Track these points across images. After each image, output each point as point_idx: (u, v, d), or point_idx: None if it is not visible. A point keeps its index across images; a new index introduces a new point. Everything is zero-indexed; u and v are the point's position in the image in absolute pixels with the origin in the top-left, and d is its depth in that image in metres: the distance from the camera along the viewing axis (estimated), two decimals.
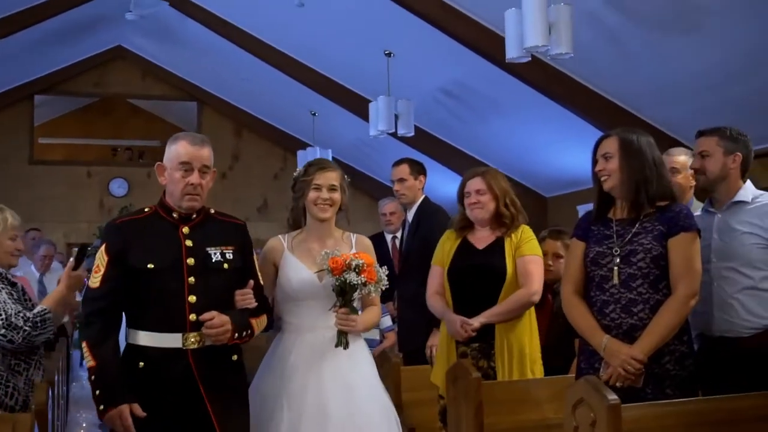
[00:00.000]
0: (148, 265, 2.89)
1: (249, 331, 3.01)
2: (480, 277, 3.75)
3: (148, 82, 13.05)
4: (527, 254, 3.76)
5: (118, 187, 12.93)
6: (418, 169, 5.15)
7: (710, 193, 3.41)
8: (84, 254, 3.34)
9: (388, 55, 7.98)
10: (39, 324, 3.23)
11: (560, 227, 4.55)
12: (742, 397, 2.91)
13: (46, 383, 3.52)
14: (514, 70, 6.63)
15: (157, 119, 15.24)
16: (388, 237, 5.88)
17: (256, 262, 3.21)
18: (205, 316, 2.86)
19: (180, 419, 2.85)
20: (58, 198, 12.44)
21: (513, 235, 3.80)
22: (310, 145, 11.02)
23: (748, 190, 3.34)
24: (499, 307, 3.68)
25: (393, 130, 8.00)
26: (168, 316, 2.88)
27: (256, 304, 3.05)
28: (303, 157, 10.95)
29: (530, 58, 5.40)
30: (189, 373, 2.86)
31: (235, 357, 3.01)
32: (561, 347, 3.97)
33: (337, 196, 3.38)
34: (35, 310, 3.28)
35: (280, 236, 3.46)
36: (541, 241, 4.25)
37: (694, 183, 3.81)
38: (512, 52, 5.26)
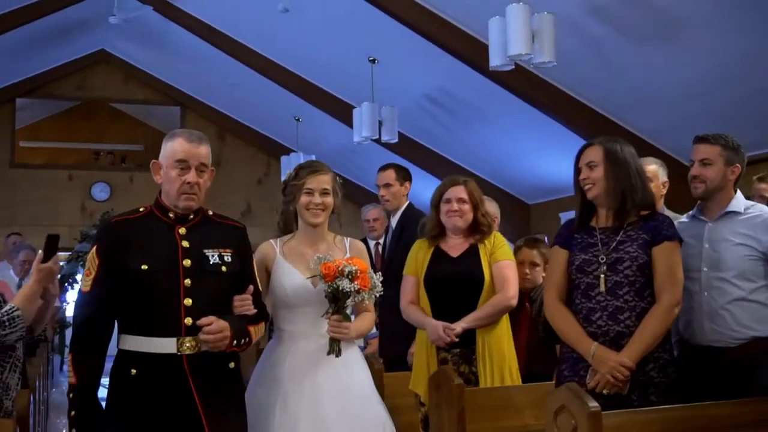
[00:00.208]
0: (142, 267, 2.75)
1: (247, 339, 2.87)
2: (458, 285, 3.78)
3: (131, 86, 12.99)
4: (502, 259, 3.82)
5: (100, 192, 12.85)
6: (404, 175, 5.16)
7: (704, 201, 3.38)
8: (53, 245, 3.09)
9: (373, 61, 8.00)
10: (7, 323, 3.04)
11: (536, 236, 4.59)
12: (722, 404, 2.94)
13: (27, 390, 3.48)
14: (497, 77, 6.66)
15: (140, 123, 15.17)
16: (371, 243, 5.88)
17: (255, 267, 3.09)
18: (203, 321, 2.73)
19: (172, 429, 2.71)
20: (40, 202, 12.33)
21: (486, 242, 3.86)
22: (294, 151, 11.03)
23: (740, 201, 3.34)
24: (479, 312, 3.72)
25: (377, 137, 8.02)
26: (162, 319, 2.74)
27: (255, 311, 2.92)
28: (287, 163, 10.93)
29: (514, 66, 5.43)
30: (183, 381, 2.71)
31: (232, 364, 2.88)
32: (542, 354, 4.00)
33: (329, 200, 3.30)
34: (3, 309, 3.10)
35: (271, 241, 3.37)
36: (517, 249, 4.30)
37: (664, 192, 3.88)
38: (496, 60, 5.29)
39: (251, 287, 2.94)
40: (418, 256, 3.91)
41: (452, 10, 6.59)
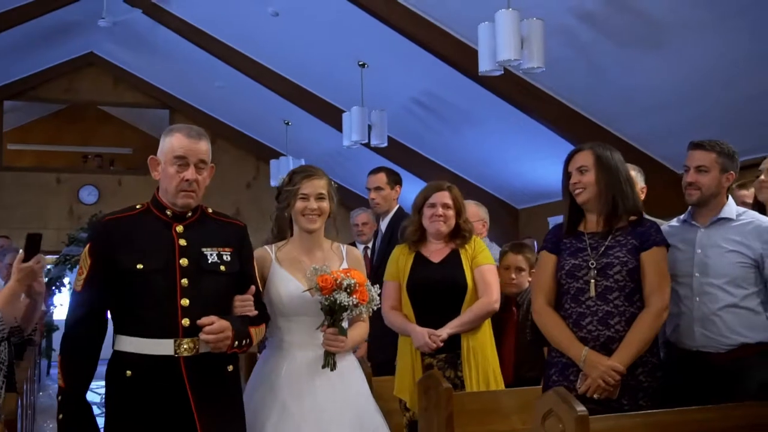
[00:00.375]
0: (137, 266, 2.65)
1: (248, 340, 2.76)
2: (442, 291, 3.80)
3: (120, 90, 12.96)
4: (483, 264, 3.85)
5: (88, 195, 12.80)
6: (395, 179, 5.17)
7: (697, 207, 3.39)
8: (34, 244, 2.99)
9: (362, 66, 8.00)
10: None
11: (522, 241, 4.61)
12: (709, 408, 2.96)
13: (15, 394, 3.46)
14: (487, 83, 6.68)
15: (129, 126, 15.13)
16: (360, 247, 5.88)
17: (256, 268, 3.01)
18: (204, 320, 2.63)
19: None
20: (27, 205, 12.28)
21: (467, 247, 3.88)
22: (283, 155, 11.01)
23: (732, 207, 3.36)
24: (464, 318, 3.74)
25: (366, 141, 8.02)
26: (158, 321, 2.64)
27: (257, 312, 2.84)
28: (276, 166, 10.93)
29: (503, 72, 5.44)
30: (180, 384, 2.63)
31: (230, 368, 2.79)
32: (530, 358, 4.02)
33: (325, 204, 3.21)
34: None
35: (265, 247, 3.25)
36: (502, 255, 4.33)
37: (642, 197, 3.90)
38: (485, 66, 5.31)
39: (253, 287, 2.86)
40: (399, 261, 3.91)
41: (442, 15, 6.61)
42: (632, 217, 3.18)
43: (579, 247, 3.18)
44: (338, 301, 2.92)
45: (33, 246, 2.98)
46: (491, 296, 3.77)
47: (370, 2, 6.73)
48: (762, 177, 3.76)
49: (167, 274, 2.68)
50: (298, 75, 9.33)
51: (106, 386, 2.71)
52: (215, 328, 2.63)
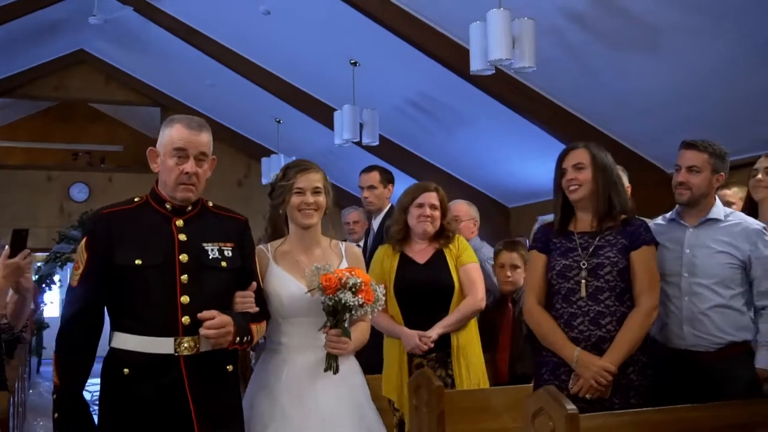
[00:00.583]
0: (136, 261, 2.57)
1: (249, 337, 2.68)
2: (429, 292, 3.83)
3: (111, 87, 12.91)
4: (468, 263, 3.89)
5: (78, 192, 12.76)
6: (388, 178, 5.18)
7: (686, 207, 3.40)
8: (20, 240, 2.93)
9: (354, 64, 8.00)
10: None
11: (515, 239, 4.63)
12: (698, 407, 2.97)
13: (6, 392, 3.45)
14: (478, 82, 6.69)
15: (120, 124, 15.09)
16: None
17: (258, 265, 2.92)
18: (205, 314, 2.54)
19: None
20: (17, 203, 12.22)
21: (451, 246, 3.92)
22: (275, 153, 11.00)
23: (720, 208, 3.38)
24: (452, 317, 3.78)
25: (358, 139, 8.02)
26: (158, 318, 2.56)
27: (258, 309, 2.76)
28: (267, 165, 10.92)
29: (494, 71, 5.45)
30: (179, 383, 2.55)
31: (230, 367, 2.70)
32: (525, 354, 4.04)
33: (322, 199, 3.07)
34: None
35: (261, 246, 3.11)
36: (497, 253, 4.36)
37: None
38: (476, 65, 5.31)
39: (254, 284, 2.79)
40: (384, 263, 3.92)
41: (433, 15, 6.61)
42: (622, 216, 3.19)
43: (569, 247, 3.19)
44: (343, 301, 2.79)
45: (19, 242, 2.94)
46: (477, 295, 3.82)
47: (362, 1, 6.72)
48: (759, 176, 3.78)
49: (166, 270, 2.59)
50: (290, 73, 9.32)
51: (102, 384, 2.64)
52: (216, 323, 2.55)
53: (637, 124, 6.71)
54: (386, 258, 3.93)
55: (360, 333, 3.07)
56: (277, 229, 3.17)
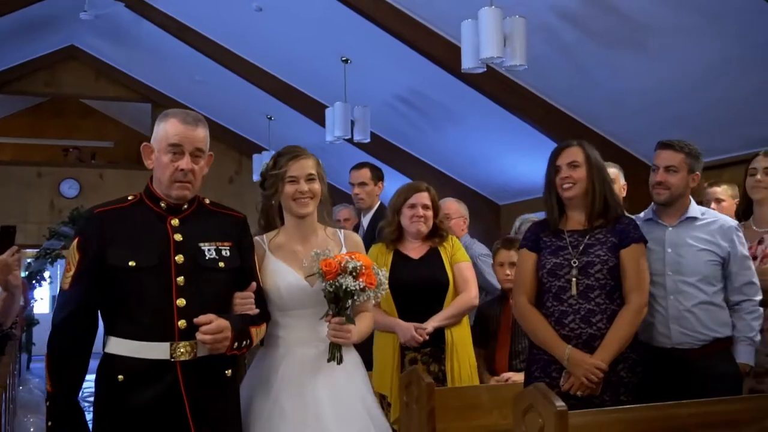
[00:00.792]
0: (129, 263, 2.46)
1: (248, 341, 2.58)
2: (424, 289, 3.88)
3: (101, 83, 12.86)
4: (462, 261, 3.97)
5: (69, 188, 12.70)
6: (378, 175, 5.20)
7: (663, 206, 3.44)
8: (8, 236, 2.86)
9: (345, 61, 8.00)
10: None
11: (511, 237, 4.64)
12: (687, 404, 2.99)
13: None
14: (469, 80, 6.69)
15: (111, 120, 15.04)
16: None
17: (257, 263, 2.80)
18: (202, 318, 2.44)
19: None
20: (7, 199, 12.16)
21: (446, 245, 3.98)
22: (266, 149, 10.98)
23: (695, 206, 3.44)
24: (447, 312, 3.85)
25: (349, 136, 8.02)
26: (153, 322, 2.46)
27: (258, 310, 2.66)
28: (258, 161, 10.90)
29: (485, 69, 5.46)
30: (175, 390, 2.45)
31: (229, 372, 2.59)
32: (524, 351, 4.06)
33: (316, 186, 2.93)
34: None
35: (256, 237, 2.94)
36: (495, 252, 4.38)
37: (624, 194, 3.97)
38: (468, 63, 5.32)
39: (254, 284, 2.68)
40: (378, 260, 3.92)
41: (425, 13, 6.62)
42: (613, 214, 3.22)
43: (560, 245, 3.21)
44: (344, 286, 2.66)
45: (7, 238, 2.88)
46: (470, 292, 3.91)
47: None
48: (758, 177, 3.81)
49: (161, 272, 2.49)
50: (282, 70, 9.31)
51: (96, 391, 2.54)
52: (213, 327, 2.45)
53: (629, 122, 6.73)
54: (380, 255, 3.96)
55: (364, 323, 2.94)
56: (270, 222, 3.04)
